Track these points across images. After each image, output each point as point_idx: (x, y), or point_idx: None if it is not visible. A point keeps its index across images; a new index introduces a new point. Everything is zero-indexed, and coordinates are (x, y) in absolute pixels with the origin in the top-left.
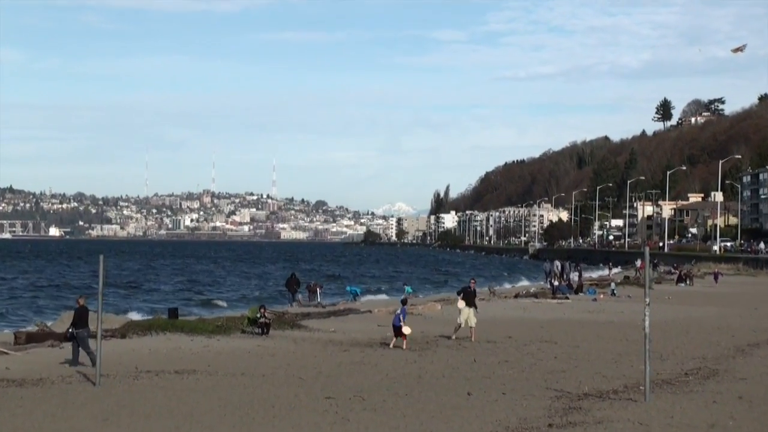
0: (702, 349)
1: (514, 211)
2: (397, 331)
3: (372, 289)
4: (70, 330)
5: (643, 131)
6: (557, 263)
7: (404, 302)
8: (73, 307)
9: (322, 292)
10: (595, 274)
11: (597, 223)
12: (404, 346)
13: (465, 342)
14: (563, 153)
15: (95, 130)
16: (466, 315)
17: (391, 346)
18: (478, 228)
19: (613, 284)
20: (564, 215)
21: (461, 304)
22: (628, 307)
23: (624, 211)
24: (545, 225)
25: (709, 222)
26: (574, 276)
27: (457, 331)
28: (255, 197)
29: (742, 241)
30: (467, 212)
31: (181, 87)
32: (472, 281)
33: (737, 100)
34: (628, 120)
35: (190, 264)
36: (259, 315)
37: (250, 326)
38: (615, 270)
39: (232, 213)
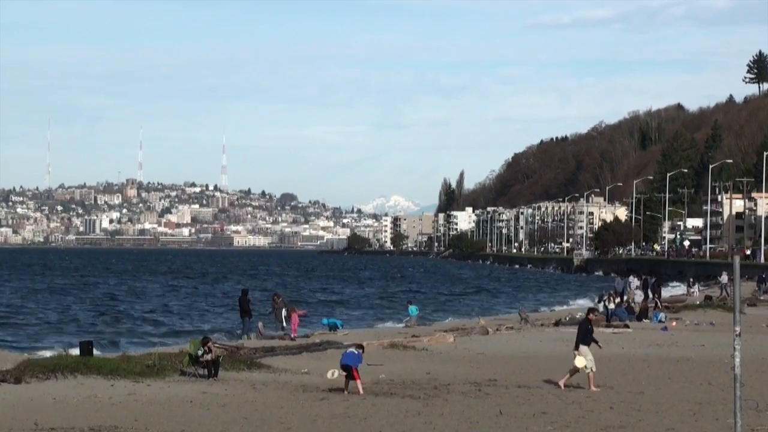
0: None
1: (552, 208)
2: (350, 372)
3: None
4: None
5: (731, 97)
6: (633, 280)
7: (361, 347)
8: None
9: (297, 320)
10: (666, 293)
11: (667, 224)
12: (360, 390)
13: (488, 388)
14: (620, 127)
15: None
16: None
17: (346, 392)
18: (504, 231)
19: (662, 314)
20: (621, 213)
21: (583, 356)
22: (711, 338)
23: (704, 207)
24: (596, 226)
25: None
26: (638, 296)
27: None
28: (198, 189)
29: None
30: (488, 209)
31: (96, 39)
32: (592, 315)
33: None
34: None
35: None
36: (201, 351)
37: (193, 366)
38: (698, 287)
39: (167, 211)
